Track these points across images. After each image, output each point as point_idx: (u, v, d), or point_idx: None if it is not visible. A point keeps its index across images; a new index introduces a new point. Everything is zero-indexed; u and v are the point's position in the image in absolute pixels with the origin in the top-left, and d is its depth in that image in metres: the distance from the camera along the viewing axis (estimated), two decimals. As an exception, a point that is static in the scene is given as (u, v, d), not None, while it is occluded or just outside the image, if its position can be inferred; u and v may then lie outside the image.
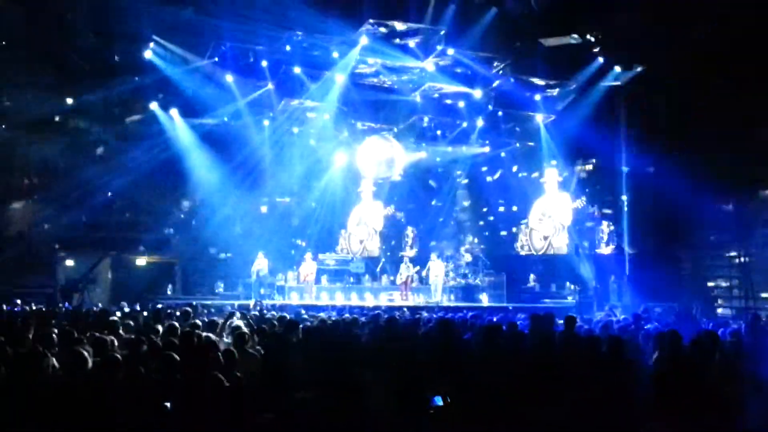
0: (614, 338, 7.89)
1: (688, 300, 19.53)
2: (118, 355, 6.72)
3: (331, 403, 6.28)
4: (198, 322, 11.15)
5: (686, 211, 21.20)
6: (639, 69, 21.26)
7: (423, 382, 6.99)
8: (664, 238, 22.45)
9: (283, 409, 6.04)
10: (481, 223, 27.56)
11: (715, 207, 21.78)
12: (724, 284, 22.31)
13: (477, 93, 23.08)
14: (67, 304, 19.43)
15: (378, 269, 24.90)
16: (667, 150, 21.15)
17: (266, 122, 24.63)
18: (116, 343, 8.28)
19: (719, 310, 20.89)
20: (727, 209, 22.15)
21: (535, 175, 26.19)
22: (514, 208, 26.78)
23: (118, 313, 13.11)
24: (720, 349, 7.85)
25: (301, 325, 10.25)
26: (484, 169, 27.51)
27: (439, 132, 26.38)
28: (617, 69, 21.53)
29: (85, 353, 6.67)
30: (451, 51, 20.90)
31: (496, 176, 27.23)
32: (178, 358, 6.68)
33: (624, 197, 23.79)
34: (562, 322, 10.24)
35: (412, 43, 20.92)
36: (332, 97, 23.15)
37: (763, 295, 20.74)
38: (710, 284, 22.36)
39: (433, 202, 27.94)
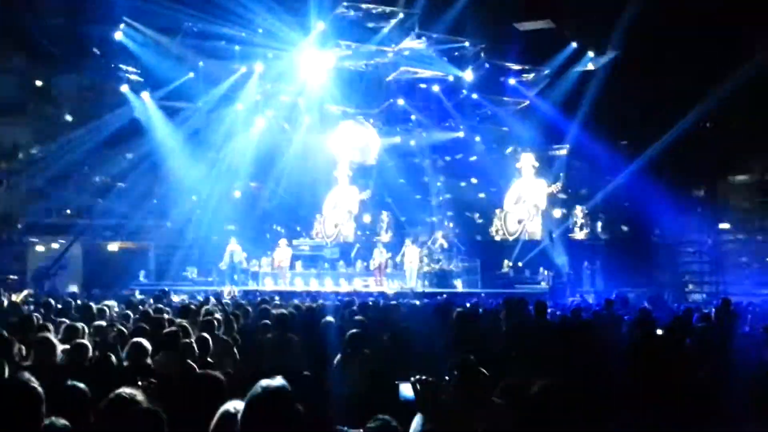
0: (583, 323, 7.93)
1: (660, 285, 19.72)
2: (87, 342, 6.63)
3: (305, 389, 6.25)
4: (170, 308, 11.08)
5: (657, 197, 21.39)
6: (612, 55, 21.30)
7: (394, 368, 6.98)
8: (635, 224, 22.63)
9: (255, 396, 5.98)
10: (456, 208, 27.50)
11: (685, 192, 21.99)
12: (695, 269, 22.54)
13: (451, 77, 23.07)
14: (38, 291, 19.20)
15: (352, 255, 24.84)
16: (638, 136, 21.30)
17: (239, 106, 24.38)
18: (87, 329, 8.18)
19: (691, 296, 21.10)
20: (698, 194, 22.37)
21: (509, 156, 26.29)
22: (489, 190, 26.78)
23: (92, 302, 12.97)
24: (691, 333, 7.92)
25: (274, 312, 10.19)
26: (460, 155, 27.48)
27: (413, 116, 26.33)
28: (590, 54, 21.57)
29: (53, 339, 6.58)
30: (424, 36, 20.84)
31: (471, 160, 27.22)
32: (148, 344, 6.60)
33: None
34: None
35: (386, 27, 20.80)
36: (305, 81, 22.99)
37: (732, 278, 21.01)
38: (681, 269, 22.57)
39: (408, 187, 27.89)
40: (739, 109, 19.86)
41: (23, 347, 6.75)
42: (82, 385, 4.61)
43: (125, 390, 4.18)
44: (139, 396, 4.19)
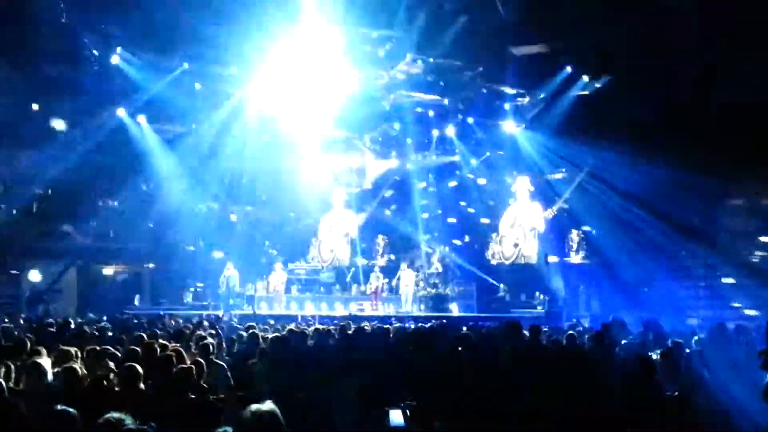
0: (578, 348, 7.91)
1: (656, 309, 19.68)
2: (78, 366, 6.58)
3: (296, 414, 6.21)
4: (164, 332, 11.04)
5: (654, 220, 21.40)
6: (607, 78, 21.41)
7: (386, 393, 6.95)
8: (632, 248, 22.60)
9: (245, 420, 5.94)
10: (452, 232, 27.43)
11: (682, 216, 21.99)
12: (691, 293, 22.50)
13: (446, 101, 23.17)
14: (32, 315, 19.12)
15: (348, 278, 24.79)
16: (634, 160, 21.33)
17: (236, 130, 24.46)
18: (80, 353, 8.14)
19: (687, 319, 21.04)
20: (695, 218, 22.38)
21: (505, 179, 26.30)
22: (484, 221, 26.72)
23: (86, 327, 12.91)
24: (686, 358, 7.90)
25: (269, 335, 10.15)
26: (456, 179, 27.45)
27: (409, 140, 26.35)
28: (585, 78, 21.67)
29: (45, 364, 6.54)
30: (420, 60, 20.96)
31: (467, 184, 27.20)
32: (140, 369, 6.56)
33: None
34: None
35: (382, 51, 20.91)
36: (302, 105, 23.07)
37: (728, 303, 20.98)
38: (678, 293, 22.52)
39: (404, 211, 27.90)
40: (734, 132, 19.91)
41: (14, 371, 6.71)
42: (72, 410, 4.57)
43: (113, 414, 4.15)
44: (128, 420, 4.15)
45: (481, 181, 26.83)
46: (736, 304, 20.68)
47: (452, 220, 27.36)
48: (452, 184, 27.41)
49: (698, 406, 5.88)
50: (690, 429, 5.72)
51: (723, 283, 21.61)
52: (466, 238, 26.95)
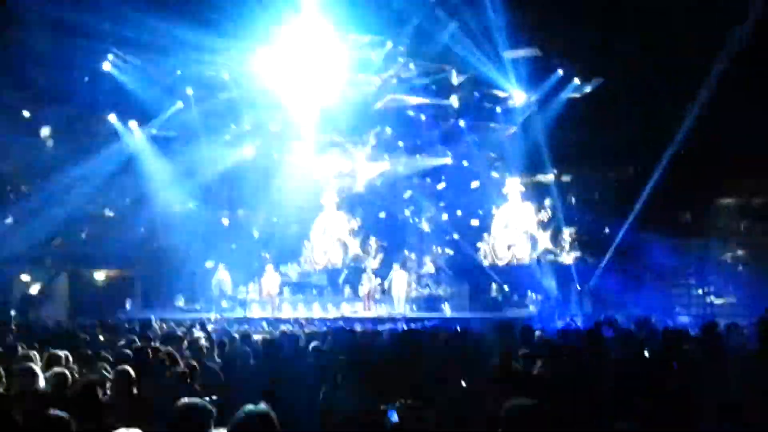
0: (572, 347, 7.92)
1: (648, 308, 19.73)
2: (67, 371, 6.55)
3: (288, 415, 6.20)
4: (156, 336, 11.03)
5: (645, 220, 21.47)
6: (598, 81, 21.47)
7: (382, 394, 6.95)
8: (624, 248, 22.66)
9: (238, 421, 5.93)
10: (444, 233, 27.46)
11: (673, 216, 22.07)
12: (683, 292, 22.57)
13: (439, 104, 23.21)
14: (23, 319, 19.04)
15: (340, 281, 24.77)
16: (625, 161, 21.42)
17: (227, 137, 24.48)
18: (71, 358, 8.12)
19: (678, 317, 21.11)
20: (685, 218, 22.46)
21: (496, 181, 26.33)
22: (476, 223, 26.73)
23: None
24: (678, 356, 7.92)
25: (260, 338, 10.16)
26: (447, 181, 27.44)
27: (401, 143, 26.39)
28: (576, 81, 21.74)
29: (36, 368, 6.51)
30: (412, 64, 21.00)
31: (459, 186, 27.22)
32: (133, 372, 6.55)
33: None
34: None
35: (374, 55, 20.92)
36: (293, 108, 23.07)
37: (719, 301, 21.06)
38: (669, 292, 22.59)
39: (396, 213, 27.92)
40: (727, 133, 19.99)
41: (6, 376, 6.69)
42: (65, 415, 4.54)
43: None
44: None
45: (474, 184, 26.81)
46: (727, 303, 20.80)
47: (444, 221, 27.32)
48: (445, 185, 27.37)
49: (693, 400, 5.91)
50: (685, 424, 5.74)
51: (714, 281, 21.70)
52: (459, 239, 26.92)
